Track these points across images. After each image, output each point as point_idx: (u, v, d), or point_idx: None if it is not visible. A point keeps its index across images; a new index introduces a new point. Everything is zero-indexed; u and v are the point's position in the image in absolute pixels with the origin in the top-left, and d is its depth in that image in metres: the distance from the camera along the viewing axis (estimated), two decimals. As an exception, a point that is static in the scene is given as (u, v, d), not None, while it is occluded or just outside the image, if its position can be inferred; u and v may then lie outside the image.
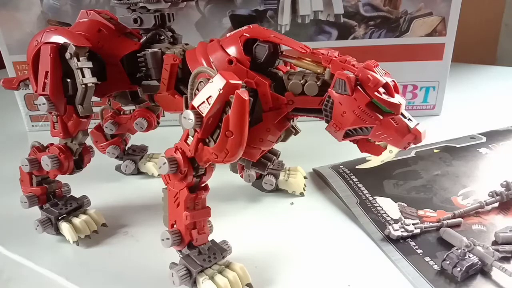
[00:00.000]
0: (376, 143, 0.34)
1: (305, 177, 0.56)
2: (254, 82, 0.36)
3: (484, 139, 0.62)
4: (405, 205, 0.48)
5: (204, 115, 0.32)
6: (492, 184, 0.50)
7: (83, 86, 0.40)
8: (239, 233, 0.44)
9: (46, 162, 0.43)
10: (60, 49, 0.40)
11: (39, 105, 0.41)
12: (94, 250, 0.44)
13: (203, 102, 0.32)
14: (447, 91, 0.75)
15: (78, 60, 0.40)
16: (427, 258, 0.40)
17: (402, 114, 0.32)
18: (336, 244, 0.44)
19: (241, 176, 0.53)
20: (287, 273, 0.40)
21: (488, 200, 0.47)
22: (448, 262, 0.38)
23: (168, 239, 0.36)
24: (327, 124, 0.34)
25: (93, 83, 0.41)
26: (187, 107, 0.34)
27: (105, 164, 0.58)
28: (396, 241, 0.43)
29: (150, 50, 0.43)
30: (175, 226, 0.37)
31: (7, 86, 0.49)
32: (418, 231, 0.43)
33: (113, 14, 0.46)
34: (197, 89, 0.34)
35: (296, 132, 0.41)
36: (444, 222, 0.44)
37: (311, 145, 0.60)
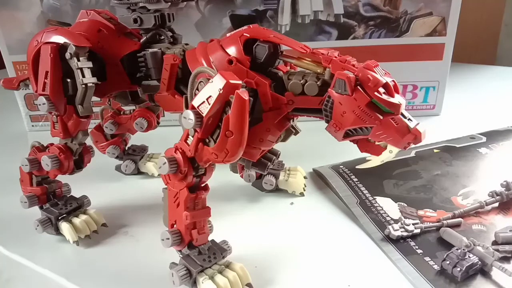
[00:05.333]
0: (376, 143, 0.34)
1: (305, 177, 0.56)
2: (254, 82, 0.36)
3: (484, 139, 0.62)
4: (405, 205, 0.48)
5: (204, 115, 0.32)
6: (492, 184, 0.50)
7: (83, 86, 0.40)
8: (239, 233, 0.44)
9: (46, 162, 0.43)
10: (60, 49, 0.40)
11: (39, 105, 0.41)
12: (94, 250, 0.44)
13: (203, 102, 0.32)
14: (447, 91, 0.75)
15: (78, 60, 0.40)
16: (427, 258, 0.40)
17: (402, 114, 0.32)
18: (336, 244, 0.44)
19: (241, 176, 0.53)
20: (287, 273, 0.40)
21: (488, 200, 0.47)
22: (448, 262, 0.38)
23: (168, 239, 0.36)
24: (327, 124, 0.34)
25: (93, 83, 0.41)
26: (187, 107, 0.34)
27: (105, 164, 0.58)
28: (396, 241, 0.43)
29: (150, 50, 0.43)
30: (175, 226, 0.37)
31: (7, 86, 0.49)
32: (418, 231, 0.43)
33: (113, 14, 0.46)
34: (197, 89, 0.34)
35: (296, 132, 0.41)
36: (444, 222, 0.44)
37: (311, 145, 0.60)
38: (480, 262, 0.38)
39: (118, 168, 0.60)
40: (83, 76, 0.40)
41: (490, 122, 0.70)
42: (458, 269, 0.37)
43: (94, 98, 0.42)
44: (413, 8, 0.69)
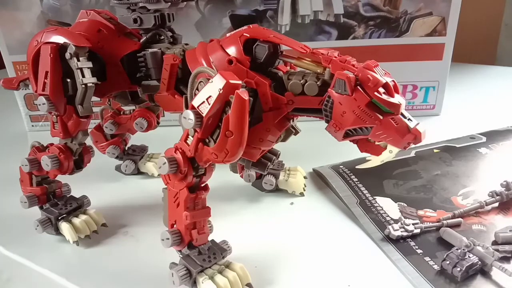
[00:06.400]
0: (376, 143, 0.34)
1: (305, 177, 0.56)
2: (254, 82, 0.36)
3: (484, 139, 0.62)
4: (405, 205, 0.48)
5: (204, 115, 0.32)
6: (492, 184, 0.50)
7: (83, 86, 0.40)
8: (239, 233, 0.44)
9: (46, 162, 0.43)
10: (60, 49, 0.40)
11: (39, 105, 0.41)
12: (94, 250, 0.44)
13: (203, 102, 0.32)
14: (447, 91, 0.75)
15: (78, 60, 0.40)
16: (427, 258, 0.40)
17: (402, 114, 0.32)
18: (336, 244, 0.44)
19: (241, 176, 0.53)
20: (287, 273, 0.40)
21: (488, 200, 0.47)
22: (448, 262, 0.38)
23: (168, 239, 0.37)
24: (327, 124, 0.34)
25: (93, 83, 0.41)
26: (187, 107, 0.34)
27: (105, 164, 0.58)
28: (396, 241, 0.43)
29: (150, 50, 0.43)
30: (175, 226, 0.37)
31: (7, 86, 0.49)
32: (418, 231, 0.43)
33: (113, 14, 0.46)
34: (197, 89, 0.34)
35: (296, 132, 0.41)
36: (444, 222, 0.44)
37: (311, 145, 0.60)
38: (480, 262, 0.38)
39: (118, 168, 0.60)
40: (83, 76, 0.40)
41: (490, 122, 0.70)
42: (458, 269, 0.37)
43: (94, 98, 0.42)
44: (413, 8, 0.69)
